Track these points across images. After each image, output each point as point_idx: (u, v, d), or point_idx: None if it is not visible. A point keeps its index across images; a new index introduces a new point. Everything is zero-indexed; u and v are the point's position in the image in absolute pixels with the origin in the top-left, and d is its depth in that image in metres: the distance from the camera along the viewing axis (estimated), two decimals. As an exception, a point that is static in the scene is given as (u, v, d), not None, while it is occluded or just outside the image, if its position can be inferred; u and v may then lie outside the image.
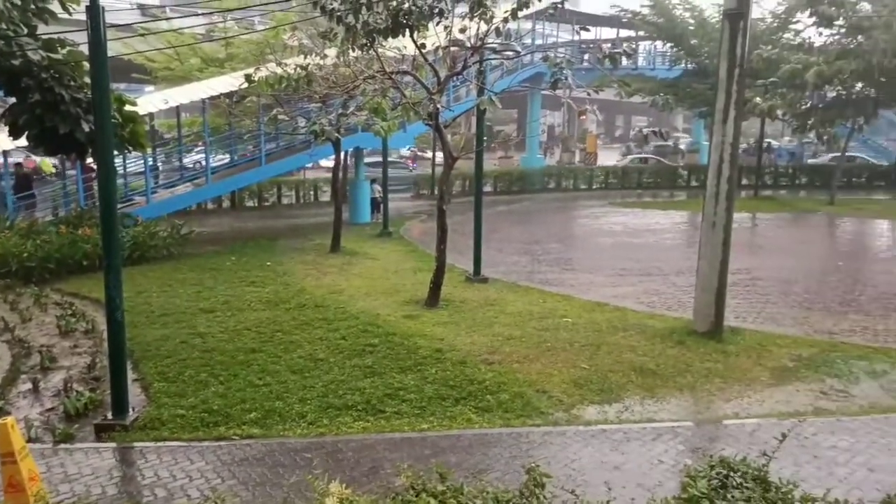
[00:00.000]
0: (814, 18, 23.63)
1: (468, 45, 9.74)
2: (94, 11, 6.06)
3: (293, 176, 28.11)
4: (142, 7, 30.20)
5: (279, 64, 11.13)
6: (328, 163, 24.33)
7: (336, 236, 15.96)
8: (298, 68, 10.15)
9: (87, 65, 7.40)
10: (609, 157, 41.91)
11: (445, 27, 9.28)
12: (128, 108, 10.04)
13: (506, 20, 9.26)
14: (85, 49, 6.66)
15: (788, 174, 32.94)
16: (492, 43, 10.10)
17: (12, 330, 9.56)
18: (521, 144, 38.04)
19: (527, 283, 12.46)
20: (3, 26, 8.09)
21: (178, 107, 20.21)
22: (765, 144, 32.78)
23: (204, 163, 20.39)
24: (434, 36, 9.59)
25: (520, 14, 9.32)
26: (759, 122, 28.12)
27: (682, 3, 30.04)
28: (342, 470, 5.44)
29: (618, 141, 67.09)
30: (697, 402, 7.06)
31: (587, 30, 11.06)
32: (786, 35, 27.74)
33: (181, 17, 24.46)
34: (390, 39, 9.32)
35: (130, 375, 7.42)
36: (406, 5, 8.74)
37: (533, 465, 3.57)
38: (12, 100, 9.00)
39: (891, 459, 5.64)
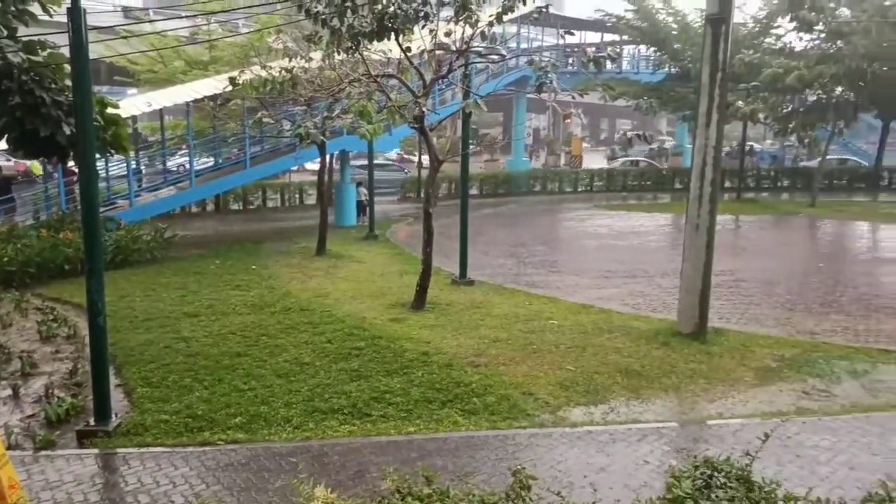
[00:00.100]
0: (794, 23, 24.01)
1: (453, 48, 9.76)
2: (76, 13, 6.01)
3: (278, 179, 27.99)
4: (125, 9, 29.94)
5: (264, 67, 11.09)
6: (314, 166, 24.26)
7: (322, 239, 15.91)
8: (283, 71, 10.13)
9: (68, 67, 7.32)
10: (594, 161, 42.15)
11: (431, 31, 9.30)
12: (110, 110, 9.92)
13: (491, 24, 9.30)
14: (66, 51, 6.59)
15: (770, 177, 33.33)
16: (477, 47, 10.14)
17: (-8, 335, 9.43)
18: (506, 147, 38.17)
19: (513, 286, 12.49)
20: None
21: (161, 110, 20.07)
22: (747, 147, 33.14)
23: (188, 166, 20.24)
24: (419, 39, 9.61)
25: (504, 18, 9.37)
26: (742, 126, 28.43)
27: (666, 8, 30.38)
28: (328, 474, 5.42)
29: (603, 144, 67.52)
30: (682, 402, 7.11)
31: (572, 34, 11.24)
32: (767, 40, 28.15)
33: (164, 19, 24.32)
34: (375, 43, 9.32)
35: (113, 381, 7.34)
36: (391, 9, 8.75)
37: (519, 467, 3.58)
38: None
39: (871, 458, 5.72)
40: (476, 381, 7.33)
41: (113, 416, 6.56)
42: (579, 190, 31.58)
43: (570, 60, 34.95)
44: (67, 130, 8.53)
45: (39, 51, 8.72)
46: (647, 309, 10.82)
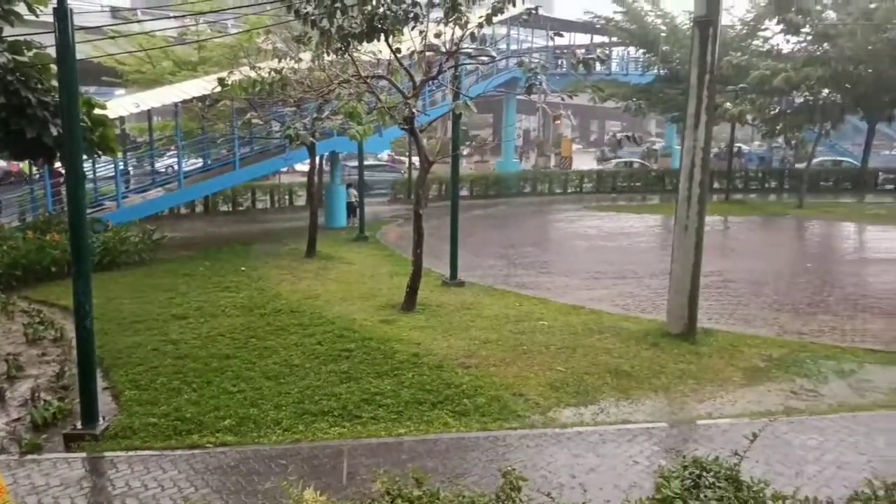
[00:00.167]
0: (781, 26, 24.19)
1: (443, 49, 9.77)
2: (62, 14, 5.96)
3: (268, 180, 27.88)
4: (114, 10, 29.71)
5: (253, 68, 11.04)
6: (303, 167, 24.19)
7: (311, 241, 15.86)
8: (273, 72, 10.08)
9: (54, 67, 7.25)
10: (584, 162, 42.29)
11: (420, 32, 9.30)
12: (97, 111, 9.85)
13: (480, 25, 9.31)
14: (52, 51, 6.53)
15: (758, 178, 33.58)
16: (467, 48, 10.14)
17: (-23, 338, 9.33)
18: (496, 149, 38.23)
19: (503, 287, 12.50)
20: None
21: (149, 110, 19.94)
22: (735, 149, 33.37)
23: (176, 167, 20.12)
24: (409, 40, 9.60)
25: (494, 19, 9.38)
26: (730, 127, 28.64)
27: (654, 10, 30.55)
28: (318, 476, 5.40)
29: (593, 145, 67.75)
30: (671, 403, 7.14)
31: (561, 35, 11.23)
32: (755, 42, 28.38)
33: (153, 19, 24.18)
34: (365, 44, 9.31)
35: (101, 384, 7.29)
36: (381, 10, 8.73)
37: (509, 468, 3.58)
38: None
39: (858, 457, 5.77)
40: (466, 383, 7.33)
41: (100, 419, 6.51)
42: (569, 191, 31.68)
43: (560, 62, 35.08)
44: (54, 131, 8.46)
45: (25, 51, 8.65)
46: (636, 310, 10.86)
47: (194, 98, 17.80)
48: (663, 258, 13.16)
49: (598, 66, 9.24)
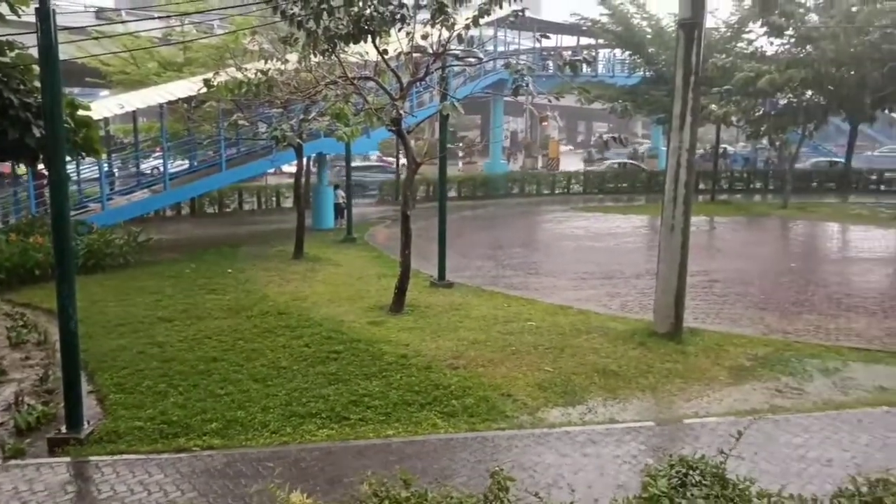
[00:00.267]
0: (765, 28, 24.47)
1: (430, 51, 9.77)
2: (44, 14, 5.90)
3: (255, 182, 27.75)
4: (99, 10, 29.43)
5: (239, 69, 10.99)
6: (291, 168, 24.10)
7: (299, 242, 15.80)
8: (259, 73, 10.04)
9: (37, 68, 7.18)
10: (572, 163, 42.46)
11: (407, 33, 9.30)
12: (81, 112, 9.76)
13: (467, 27, 9.32)
14: (35, 52, 6.46)
15: (743, 179, 33.87)
16: (454, 49, 10.16)
17: (-41, 343, 9.20)
18: (484, 150, 38.28)
19: (491, 288, 12.52)
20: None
21: (134, 112, 19.78)
22: (721, 150, 33.64)
23: (162, 169, 19.97)
24: (396, 42, 9.60)
25: (481, 21, 9.40)
26: (715, 129, 28.88)
27: (640, 13, 30.72)
28: (306, 479, 5.38)
29: (580, 146, 68.01)
30: (659, 402, 7.18)
31: (548, 37, 11.24)
32: (739, 44, 28.61)
33: (137, 20, 24.00)
34: (352, 45, 9.29)
35: (85, 387, 7.20)
36: (368, 11, 8.72)
37: (497, 468, 3.59)
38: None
39: (843, 454, 5.84)
40: (455, 384, 7.33)
41: (85, 423, 6.44)
42: (556, 192, 31.78)
43: (547, 64, 35.20)
44: (37, 133, 8.36)
45: (7, 52, 8.54)
46: (623, 310, 10.92)
47: (180, 99, 17.69)
48: (650, 258, 13.26)
49: (584, 68, 9.28)
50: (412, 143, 11.12)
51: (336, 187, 22.42)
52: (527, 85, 8.87)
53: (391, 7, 8.84)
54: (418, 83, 10.80)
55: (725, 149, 39.23)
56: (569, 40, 42.18)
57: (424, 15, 9.23)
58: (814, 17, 24.76)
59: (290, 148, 13.37)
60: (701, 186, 29.21)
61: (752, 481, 3.50)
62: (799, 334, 9.53)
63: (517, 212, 26.01)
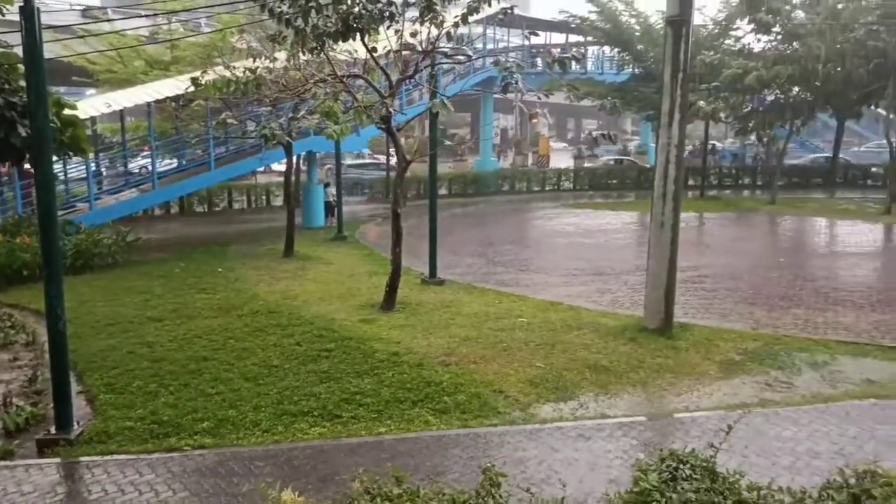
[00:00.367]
0: (752, 25, 24.61)
1: (419, 49, 9.76)
2: (29, 13, 5.84)
3: (244, 180, 27.62)
4: (85, 9, 29.14)
5: (227, 67, 10.93)
6: (280, 167, 23.99)
7: (289, 241, 15.74)
8: (247, 71, 9.99)
9: (22, 67, 7.11)
10: (562, 160, 42.55)
11: (396, 31, 9.28)
12: (67, 111, 9.68)
13: (456, 25, 9.32)
14: (20, 51, 6.40)
15: (732, 175, 34.08)
16: (443, 47, 10.15)
17: (-55, 344, 9.11)
18: (474, 147, 38.30)
19: (482, 285, 12.54)
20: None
21: (122, 111, 19.62)
22: (709, 146, 33.82)
23: (150, 168, 19.83)
24: (385, 40, 9.58)
25: (470, 19, 9.40)
26: (704, 125, 29.00)
27: (628, 10, 30.80)
28: (298, 477, 5.37)
29: (570, 143, 68.11)
30: (649, 397, 7.22)
31: (537, 34, 11.28)
32: (727, 41, 28.76)
33: (123, 18, 23.79)
34: (341, 43, 9.26)
35: (75, 388, 7.15)
36: (356, 9, 8.70)
37: (489, 465, 3.60)
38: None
39: (831, 446, 5.89)
40: (447, 380, 7.34)
41: (75, 424, 6.41)
42: (547, 189, 31.84)
43: (536, 61, 35.25)
44: (22, 132, 8.29)
45: (-8, 50, 8.46)
46: (614, 305, 10.97)
47: (168, 98, 17.56)
48: (640, 254, 13.32)
49: (573, 65, 9.32)
50: (402, 140, 11.12)
51: (326, 185, 22.35)
52: (516, 82, 8.88)
53: (380, 5, 8.82)
54: (408, 81, 10.79)
55: (714, 145, 39.45)
56: (558, 37, 42.22)
57: (413, 12, 9.22)
58: (800, 14, 24.91)
59: (279, 146, 13.33)
60: (690, 183, 29.34)
61: (741, 474, 3.53)
62: (788, 328, 9.60)
63: (508, 209, 26.04)
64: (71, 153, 10.69)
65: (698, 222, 21.60)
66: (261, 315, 10.21)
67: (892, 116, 24.13)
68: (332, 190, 21.20)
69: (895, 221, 20.67)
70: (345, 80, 9.89)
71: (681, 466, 3.53)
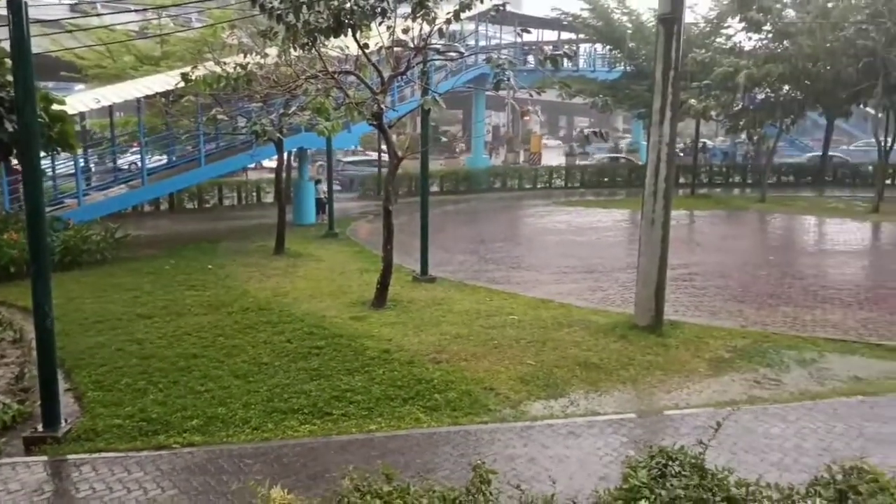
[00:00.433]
0: (743, 24, 24.71)
1: (411, 45, 9.73)
2: (16, 6, 5.77)
3: (235, 177, 27.49)
4: (74, 3, 28.86)
5: (218, 63, 10.85)
6: (271, 163, 23.89)
7: (280, 238, 15.69)
8: (238, 67, 9.92)
9: (9, 62, 7.04)
10: (553, 157, 42.63)
11: (388, 27, 9.25)
12: (56, 107, 9.62)
13: (448, 21, 9.29)
14: (7, 45, 6.33)
15: (723, 173, 34.25)
16: (435, 44, 10.12)
17: (-69, 342, 9.01)
18: (466, 144, 38.27)
19: (473, 282, 12.54)
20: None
21: (111, 106, 19.47)
22: (700, 144, 33.97)
23: (140, 164, 19.69)
24: (377, 36, 9.55)
25: (462, 16, 9.38)
26: (695, 123, 29.11)
27: (620, 8, 30.85)
28: (287, 475, 5.36)
29: (563, 141, 68.20)
30: (640, 394, 7.25)
31: (529, 32, 11.27)
32: (718, 39, 28.87)
33: (113, 12, 23.60)
34: (333, 39, 9.22)
35: (62, 385, 7.10)
36: (348, 5, 8.66)
37: (479, 462, 3.60)
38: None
39: (819, 443, 5.94)
40: (438, 378, 7.34)
41: (62, 421, 6.36)
42: (538, 186, 31.89)
43: (528, 58, 35.25)
44: (10, 127, 8.23)
45: (-22, 44, 8.37)
46: (604, 303, 11.00)
47: (157, 93, 17.43)
48: (631, 252, 13.36)
49: (565, 63, 9.31)
50: (394, 137, 11.09)
51: (318, 182, 22.28)
52: (508, 79, 8.86)
53: (371, 1, 8.79)
54: (399, 77, 10.76)
55: (705, 143, 39.63)
56: (550, 35, 42.25)
57: (405, 9, 9.19)
58: (791, 13, 25.03)
59: (270, 143, 13.27)
60: (681, 181, 29.47)
61: (730, 471, 3.55)
62: (776, 326, 9.66)
63: (499, 206, 26.06)
64: (59, 149, 10.62)
65: (689, 220, 21.69)
66: (251, 312, 10.17)
67: (880, 115, 24.31)
68: (324, 187, 21.14)
69: (883, 220, 20.82)
70: (336, 76, 9.85)
71: (670, 463, 3.54)
